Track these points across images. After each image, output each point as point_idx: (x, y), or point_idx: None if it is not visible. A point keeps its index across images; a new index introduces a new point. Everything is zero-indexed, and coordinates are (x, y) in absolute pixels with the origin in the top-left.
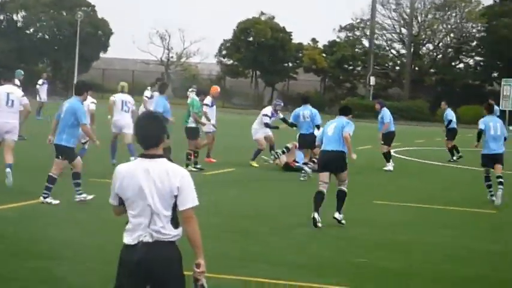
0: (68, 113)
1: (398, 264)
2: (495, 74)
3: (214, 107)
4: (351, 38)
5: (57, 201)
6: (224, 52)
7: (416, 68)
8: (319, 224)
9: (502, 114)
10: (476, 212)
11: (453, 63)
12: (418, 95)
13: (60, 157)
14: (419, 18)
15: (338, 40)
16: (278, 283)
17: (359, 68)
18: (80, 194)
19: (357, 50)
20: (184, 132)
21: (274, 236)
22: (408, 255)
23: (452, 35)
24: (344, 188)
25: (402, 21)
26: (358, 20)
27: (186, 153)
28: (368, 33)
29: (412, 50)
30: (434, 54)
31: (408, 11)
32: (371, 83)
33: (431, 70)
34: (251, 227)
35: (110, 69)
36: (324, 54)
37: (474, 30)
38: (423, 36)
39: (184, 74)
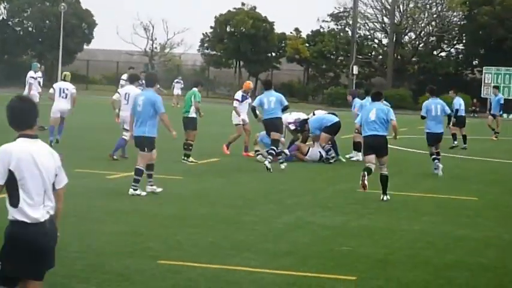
0: (147, 105)
1: (380, 252)
2: (476, 62)
3: (247, 101)
4: (334, 28)
5: (144, 193)
6: (206, 44)
7: (399, 57)
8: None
9: (485, 102)
10: (457, 199)
11: (435, 52)
12: (401, 83)
13: (146, 149)
14: (401, 7)
15: (321, 30)
16: (263, 272)
17: (342, 58)
18: (152, 185)
19: (340, 39)
20: (183, 122)
21: (259, 225)
22: (390, 242)
23: (433, 23)
24: (385, 172)
25: (384, 11)
26: (341, 10)
27: (186, 144)
28: (351, 22)
29: (394, 39)
30: (417, 43)
31: (390, 0)
32: (354, 72)
33: (414, 59)
34: (237, 216)
35: (94, 60)
36: (307, 44)
37: (455, 19)
38: (405, 25)
39: (168, 64)
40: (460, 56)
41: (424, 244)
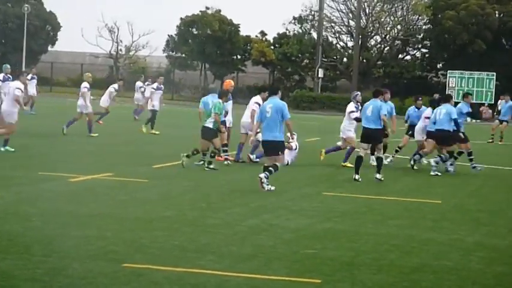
0: (275, 112)
1: (346, 255)
2: (440, 66)
3: (230, 102)
4: (300, 31)
5: (273, 187)
6: (172, 45)
7: (364, 60)
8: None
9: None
10: (422, 203)
11: (400, 56)
12: (366, 86)
13: (280, 153)
14: (367, 10)
15: (288, 33)
16: (228, 275)
17: (307, 61)
18: (268, 184)
19: (305, 42)
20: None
21: (224, 227)
22: (355, 245)
23: (399, 27)
24: (380, 155)
25: (350, 14)
26: (307, 13)
27: (213, 152)
28: (316, 25)
29: (360, 42)
30: (382, 46)
31: (356, 3)
32: (319, 75)
33: (379, 62)
34: (202, 219)
35: (58, 62)
36: (272, 47)
37: (420, 23)
38: (371, 29)
39: (133, 67)
40: (425, 59)
41: (389, 247)
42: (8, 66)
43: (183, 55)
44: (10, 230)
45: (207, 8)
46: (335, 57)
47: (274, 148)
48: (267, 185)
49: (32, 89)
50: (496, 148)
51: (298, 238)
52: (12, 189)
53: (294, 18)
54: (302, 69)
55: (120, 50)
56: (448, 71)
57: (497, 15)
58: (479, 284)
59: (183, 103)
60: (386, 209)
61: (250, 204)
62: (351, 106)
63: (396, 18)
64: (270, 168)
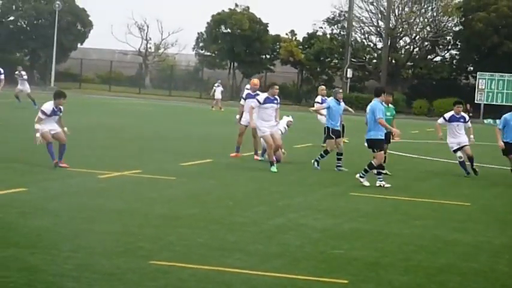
0: (370, 113)
1: (372, 255)
2: (470, 68)
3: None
4: (329, 32)
5: (389, 185)
6: (201, 44)
7: (393, 61)
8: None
9: (478, 107)
10: (449, 204)
11: (429, 57)
12: (395, 87)
13: (375, 150)
14: (396, 11)
15: (318, 33)
16: (254, 273)
17: (336, 61)
18: (381, 180)
19: (334, 42)
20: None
21: (251, 226)
22: (382, 245)
23: (428, 28)
24: None
25: (379, 14)
26: (337, 13)
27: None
28: (346, 26)
29: (389, 43)
30: (411, 47)
31: (385, 4)
32: (348, 76)
33: (408, 63)
34: (228, 217)
35: (87, 59)
36: (301, 47)
37: (450, 24)
38: (400, 30)
39: (161, 65)
40: (454, 61)
41: (416, 248)
42: None
43: (212, 54)
44: (39, 225)
45: (236, 6)
46: (364, 58)
47: (370, 146)
48: (381, 181)
49: (22, 86)
50: None
51: (325, 238)
52: (40, 185)
53: (328, 19)
54: (330, 69)
55: (149, 47)
56: (478, 73)
57: None
58: (507, 287)
59: (211, 102)
60: (412, 209)
61: (276, 203)
62: None
63: (426, 20)
64: (366, 168)
